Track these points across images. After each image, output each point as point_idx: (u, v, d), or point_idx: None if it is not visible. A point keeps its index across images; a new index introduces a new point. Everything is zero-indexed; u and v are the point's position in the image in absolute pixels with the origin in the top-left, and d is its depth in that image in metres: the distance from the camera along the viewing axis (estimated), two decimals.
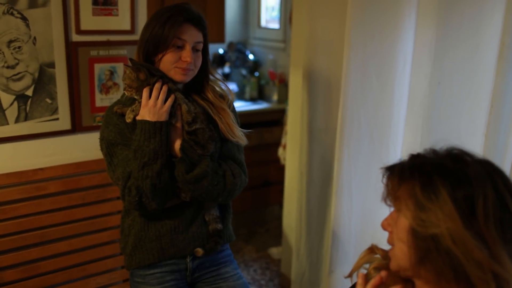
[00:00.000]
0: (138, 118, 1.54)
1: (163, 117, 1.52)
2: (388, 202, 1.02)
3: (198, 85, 1.68)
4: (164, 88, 1.54)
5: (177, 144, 1.55)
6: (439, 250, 0.90)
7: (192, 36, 1.56)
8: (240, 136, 1.69)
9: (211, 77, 1.70)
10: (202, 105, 1.65)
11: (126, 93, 1.57)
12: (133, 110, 1.56)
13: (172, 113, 1.56)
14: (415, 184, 0.93)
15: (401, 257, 0.98)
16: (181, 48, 1.55)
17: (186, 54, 1.55)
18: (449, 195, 0.89)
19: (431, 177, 0.92)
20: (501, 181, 0.92)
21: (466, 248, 0.87)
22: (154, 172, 1.51)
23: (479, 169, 0.93)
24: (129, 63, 1.56)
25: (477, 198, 0.89)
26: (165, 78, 1.57)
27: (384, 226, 1.05)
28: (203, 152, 1.59)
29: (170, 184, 1.56)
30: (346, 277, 1.21)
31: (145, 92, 1.52)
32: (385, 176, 1.02)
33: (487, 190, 0.90)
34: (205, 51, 1.64)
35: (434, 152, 0.99)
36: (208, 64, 1.68)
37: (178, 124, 1.57)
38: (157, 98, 1.52)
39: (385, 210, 1.07)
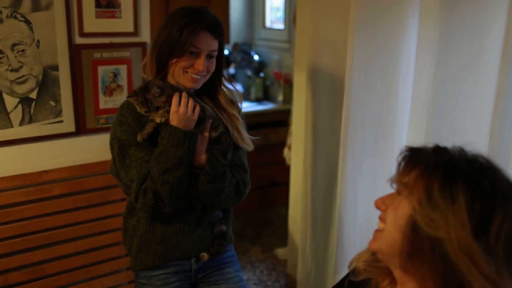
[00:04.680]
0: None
1: (190, 125, 1.52)
2: (395, 184, 0.99)
3: (211, 89, 1.68)
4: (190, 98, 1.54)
5: (201, 156, 1.56)
6: (434, 253, 0.87)
7: (207, 44, 1.55)
8: (248, 142, 1.70)
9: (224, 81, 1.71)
10: (216, 112, 1.66)
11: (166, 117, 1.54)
12: (163, 116, 1.53)
13: (201, 118, 1.56)
14: (435, 181, 0.89)
15: (389, 242, 0.95)
16: (195, 55, 1.55)
17: (200, 63, 1.54)
18: (467, 204, 0.86)
19: (454, 180, 0.88)
20: None
21: (474, 260, 0.85)
22: (175, 178, 1.50)
23: (506, 187, 0.89)
24: (138, 98, 1.54)
25: (496, 217, 0.85)
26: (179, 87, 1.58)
27: (378, 204, 1.01)
28: (225, 161, 1.60)
29: (186, 191, 1.56)
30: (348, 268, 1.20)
31: (175, 98, 1.51)
32: (405, 158, 0.98)
33: (508, 212, 0.86)
34: (220, 56, 1.63)
35: (461, 152, 0.95)
36: (223, 68, 1.68)
37: (206, 134, 1.58)
38: (187, 105, 1.52)
39: None
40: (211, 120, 1.60)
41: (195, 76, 1.56)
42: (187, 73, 1.56)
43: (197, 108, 1.54)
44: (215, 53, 1.60)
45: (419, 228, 0.89)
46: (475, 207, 0.86)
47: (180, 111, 1.50)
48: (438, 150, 0.97)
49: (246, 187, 1.69)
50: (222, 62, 1.66)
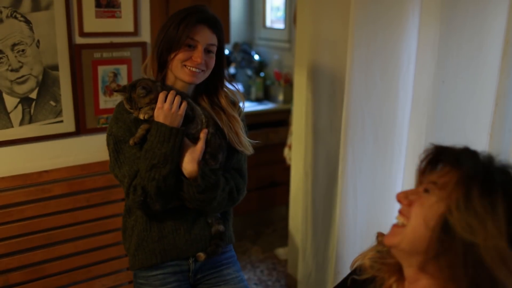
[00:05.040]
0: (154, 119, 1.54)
1: (177, 121, 1.52)
2: (424, 179, 0.98)
3: (211, 88, 1.68)
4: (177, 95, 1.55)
5: (194, 165, 1.54)
6: (467, 258, 0.87)
7: (204, 37, 1.56)
8: (246, 145, 1.70)
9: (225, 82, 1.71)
10: (210, 113, 1.66)
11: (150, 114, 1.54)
12: (146, 113, 1.54)
13: (190, 117, 1.57)
14: (474, 187, 0.89)
15: (411, 239, 0.95)
16: (193, 48, 1.56)
17: (197, 55, 1.55)
18: (505, 213, 0.87)
19: (494, 189, 0.89)
20: None
21: (510, 269, 0.86)
22: (161, 175, 1.51)
23: None
24: (125, 94, 1.55)
25: None
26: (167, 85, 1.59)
27: (400, 198, 1.00)
28: (215, 164, 1.59)
29: (174, 189, 1.56)
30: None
31: (161, 95, 1.52)
32: (434, 156, 0.98)
33: None
34: (220, 54, 1.64)
35: (490, 159, 0.95)
36: (224, 68, 1.68)
37: (201, 144, 1.55)
38: (172, 102, 1.52)
39: (390, 210, 1.05)
40: (206, 130, 1.58)
41: (194, 69, 1.57)
42: (185, 66, 1.57)
43: (184, 105, 1.54)
44: (214, 48, 1.60)
45: (453, 231, 0.89)
46: None
47: (165, 107, 1.51)
48: (471, 154, 0.96)
49: (240, 194, 1.69)
50: (223, 61, 1.67)
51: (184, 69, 1.57)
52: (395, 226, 1.00)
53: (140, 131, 1.56)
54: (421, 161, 0.99)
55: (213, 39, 1.59)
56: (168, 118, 1.51)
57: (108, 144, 1.63)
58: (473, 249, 0.87)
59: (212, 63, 1.61)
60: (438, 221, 0.91)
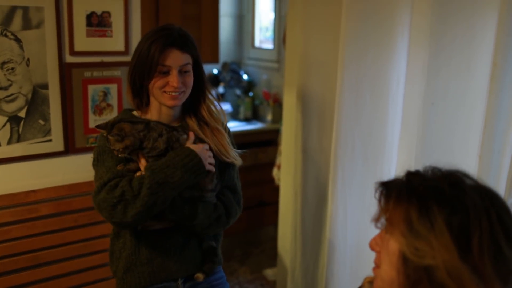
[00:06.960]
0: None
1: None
2: (379, 224, 0.98)
3: (195, 103, 1.68)
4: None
5: None
6: (432, 282, 0.86)
7: (176, 60, 1.54)
8: (234, 156, 1.69)
9: (209, 96, 1.70)
10: (195, 130, 1.64)
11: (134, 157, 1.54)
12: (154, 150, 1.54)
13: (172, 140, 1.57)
14: (411, 209, 0.89)
15: (387, 280, 0.95)
16: (167, 73, 1.55)
17: (173, 79, 1.54)
18: (446, 224, 0.86)
19: (427, 203, 0.88)
20: (496, 216, 0.88)
21: (462, 283, 0.84)
22: (164, 196, 1.47)
23: (476, 199, 0.89)
24: (106, 131, 1.53)
25: (474, 231, 0.85)
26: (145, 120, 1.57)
27: (372, 246, 1.00)
28: (199, 193, 1.59)
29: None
30: None
31: (191, 135, 1.58)
32: (379, 193, 0.98)
33: (482, 224, 0.86)
34: (198, 69, 1.63)
35: (433, 171, 0.95)
36: (204, 82, 1.67)
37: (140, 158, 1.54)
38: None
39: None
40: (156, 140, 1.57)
41: (173, 93, 1.56)
42: (165, 92, 1.56)
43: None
44: (189, 67, 1.59)
45: (409, 261, 0.89)
46: (454, 225, 0.86)
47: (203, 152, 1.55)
48: (410, 176, 0.96)
49: (231, 217, 1.68)
50: (202, 74, 1.65)
51: (164, 95, 1.57)
52: (374, 269, 1.00)
53: (133, 165, 1.54)
54: (377, 202, 0.99)
55: (185, 59, 1.57)
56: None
57: (93, 154, 1.61)
58: (432, 273, 0.86)
59: (190, 81, 1.60)
60: (397, 256, 0.91)
